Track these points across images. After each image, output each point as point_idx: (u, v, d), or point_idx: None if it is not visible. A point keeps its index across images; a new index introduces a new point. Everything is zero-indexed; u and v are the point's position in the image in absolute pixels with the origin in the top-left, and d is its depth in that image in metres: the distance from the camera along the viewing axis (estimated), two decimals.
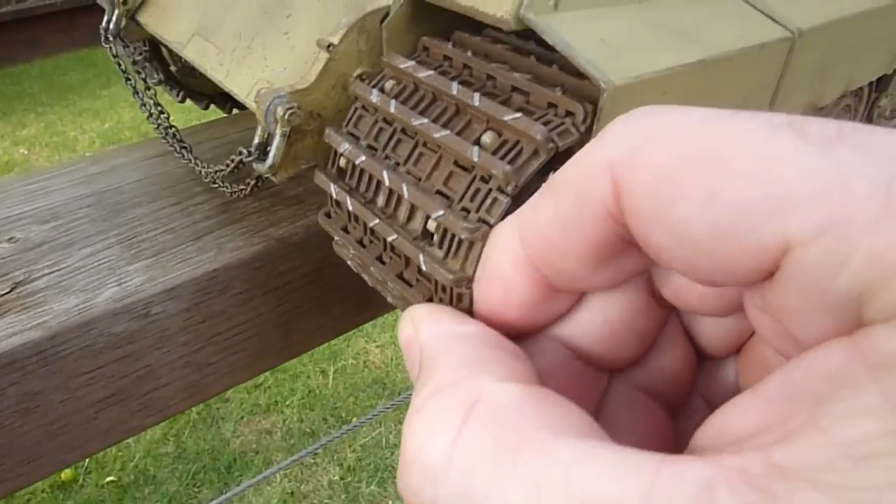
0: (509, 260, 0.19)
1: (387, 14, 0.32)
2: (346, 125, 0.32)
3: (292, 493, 1.84)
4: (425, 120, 0.28)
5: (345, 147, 0.30)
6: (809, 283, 0.14)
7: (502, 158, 0.26)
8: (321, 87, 0.32)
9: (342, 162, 0.31)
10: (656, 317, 0.22)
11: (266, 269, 0.40)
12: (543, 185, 0.19)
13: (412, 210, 0.28)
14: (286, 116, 0.31)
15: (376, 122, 0.31)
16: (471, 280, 0.25)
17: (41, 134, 3.54)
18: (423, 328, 0.21)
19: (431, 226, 0.27)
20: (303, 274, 0.42)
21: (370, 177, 0.30)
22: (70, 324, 0.35)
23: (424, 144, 0.29)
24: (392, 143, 0.30)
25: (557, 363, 0.21)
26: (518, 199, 0.26)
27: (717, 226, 0.14)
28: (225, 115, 0.57)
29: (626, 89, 0.26)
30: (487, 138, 0.27)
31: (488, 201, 0.26)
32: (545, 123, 0.27)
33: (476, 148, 0.26)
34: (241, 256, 0.39)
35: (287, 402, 2.10)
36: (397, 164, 0.29)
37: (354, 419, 2.02)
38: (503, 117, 0.27)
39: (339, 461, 1.92)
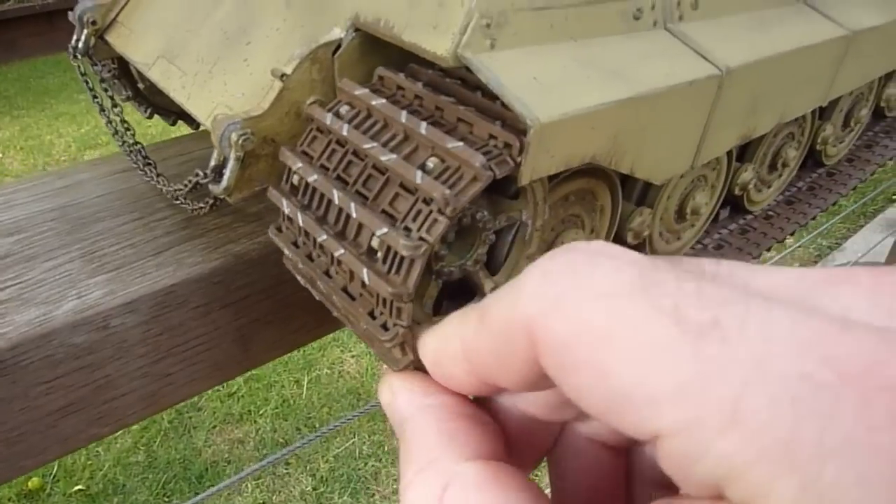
0: (460, 369, 0.22)
1: (339, 46, 0.34)
2: (301, 145, 0.33)
3: (264, 503, 1.84)
4: (375, 144, 0.30)
5: (298, 165, 0.32)
6: (675, 466, 0.16)
7: (444, 183, 0.28)
8: (275, 114, 0.34)
9: (295, 179, 0.33)
10: None
11: (224, 284, 0.42)
12: (478, 313, 0.21)
13: (359, 228, 0.30)
14: (240, 142, 0.32)
15: (329, 143, 0.32)
16: (410, 294, 0.27)
17: (16, 137, 3.51)
18: (400, 398, 0.25)
19: (376, 242, 0.29)
20: (260, 289, 0.43)
21: (321, 195, 0.32)
22: (30, 335, 0.37)
23: (373, 167, 0.31)
24: (343, 163, 0.32)
25: (514, 420, 0.25)
26: (455, 220, 0.28)
27: (607, 402, 0.17)
28: (192, 130, 0.59)
29: (552, 126, 0.28)
30: (431, 163, 0.29)
31: (429, 222, 0.28)
32: (485, 153, 0.29)
33: (420, 172, 0.28)
34: (200, 271, 0.41)
35: (260, 412, 2.09)
36: (347, 183, 0.31)
37: (325, 428, 2.02)
38: (446, 145, 0.29)
39: (311, 471, 1.92)
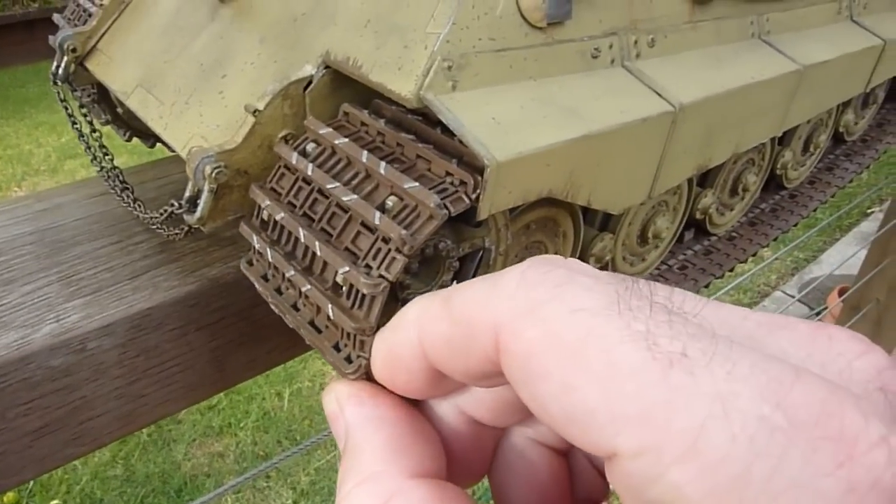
0: (412, 355, 0.23)
1: (310, 82, 0.36)
2: (270, 181, 0.35)
3: None
4: (337, 184, 0.32)
5: (266, 203, 0.34)
6: (628, 486, 0.17)
7: (401, 223, 0.30)
8: (248, 148, 0.35)
9: (265, 215, 0.34)
10: None
11: (199, 307, 0.43)
12: (442, 297, 0.22)
13: (324, 265, 0.32)
14: (213, 174, 0.34)
15: (296, 181, 0.34)
16: (373, 328, 0.29)
17: None
18: (347, 409, 0.25)
19: (340, 279, 0.31)
20: (235, 311, 0.45)
21: (289, 232, 0.33)
22: (9, 358, 0.38)
23: (337, 205, 0.32)
24: (309, 201, 0.33)
25: (457, 426, 0.26)
26: (413, 256, 0.29)
27: (568, 414, 0.17)
28: (171, 153, 0.60)
29: (509, 165, 0.30)
30: (391, 202, 0.31)
31: (387, 260, 0.29)
32: (441, 192, 0.30)
33: (378, 213, 0.30)
34: (176, 295, 0.42)
35: (241, 425, 2.09)
36: (313, 220, 0.33)
37: (307, 441, 2.02)
38: (404, 185, 0.30)
39: (292, 485, 1.92)
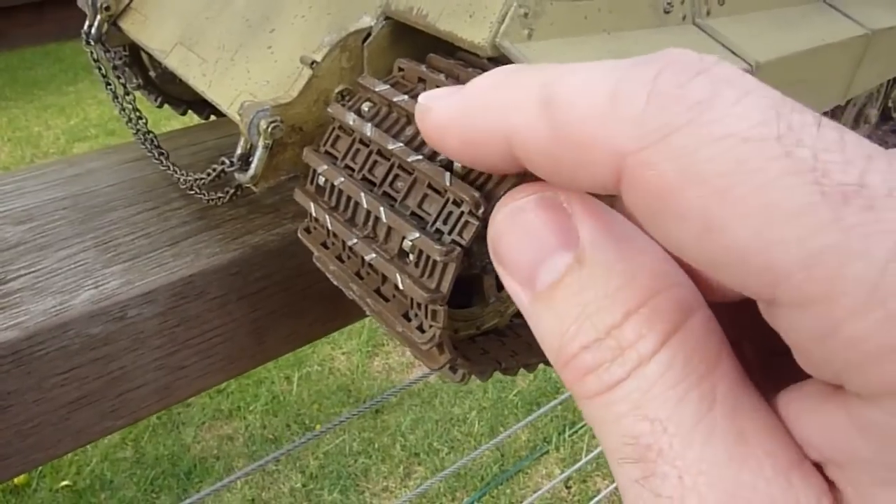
0: (495, 147, 0.18)
1: (369, 34, 0.34)
2: (325, 144, 0.33)
3: (253, 500, 1.83)
4: (400, 144, 0.30)
5: (323, 168, 0.32)
6: (794, 341, 0.14)
7: (472, 183, 0.27)
8: (303, 102, 0.33)
9: (321, 181, 0.32)
10: None
11: (241, 276, 0.41)
12: (540, 98, 0.17)
13: (389, 231, 0.29)
14: (269, 129, 0.32)
15: (353, 143, 0.32)
16: (445, 298, 0.27)
17: (4, 128, 3.47)
18: (586, 220, 0.18)
19: (407, 245, 0.28)
20: (277, 281, 0.43)
21: (348, 197, 0.31)
22: (47, 325, 0.36)
23: (400, 167, 0.30)
24: (369, 164, 0.31)
25: None
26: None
27: (710, 261, 0.14)
28: (202, 121, 0.58)
29: None
30: (459, 163, 0.29)
31: (460, 224, 0.27)
32: None
33: (448, 173, 0.28)
34: (218, 262, 0.40)
35: (250, 408, 2.08)
36: (374, 184, 0.31)
37: (318, 426, 2.01)
38: None
39: (301, 468, 1.91)
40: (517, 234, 0.18)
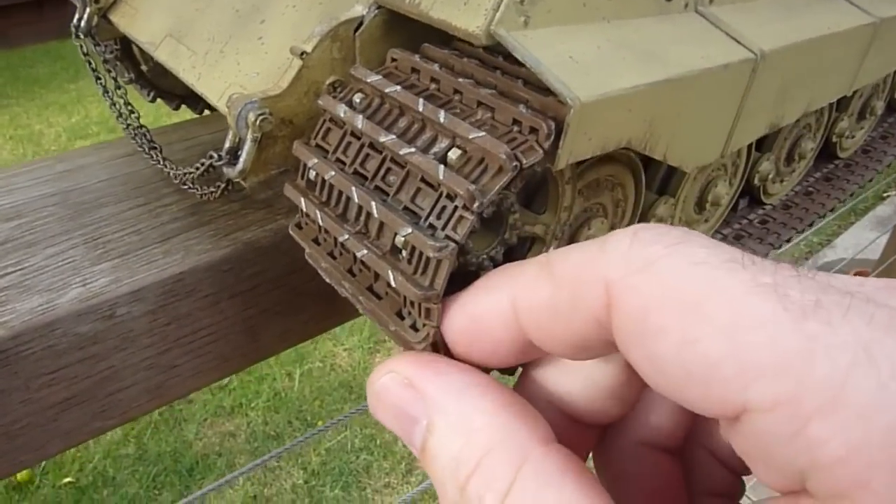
0: (501, 323, 0.21)
1: (360, 24, 0.33)
2: (315, 137, 0.32)
3: (255, 496, 1.83)
4: (392, 136, 0.29)
5: (313, 161, 0.31)
6: (761, 444, 0.15)
7: (467, 177, 0.26)
8: (293, 94, 0.32)
9: (311, 175, 0.31)
10: (637, 383, 0.22)
11: (234, 273, 0.40)
12: (539, 262, 0.20)
13: (381, 226, 0.28)
14: (257, 122, 0.31)
15: (344, 135, 0.31)
16: (439, 296, 0.26)
17: (5, 127, 3.47)
18: (428, 384, 0.22)
19: (400, 241, 0.27)
20: (270, 278, 0.42)
21: (339, 192, 0.30)
22: (33, 323, 0.35)
23: (392, 160, 0.29)
24: (360, 157, 0.30)
25: (552, 419, 0.22)
26: (482, 216, 0.26)
27: (688, 371, 0.15)
28: (196, 115, 0.57)
29: (592, 106, 0.27)
30: (453, 155, 0.27)
31: (454, 219, 0.26)
32: (510, 141, 0.27)
33: (442, 167, 0.27)
34: (209, 259, 0.39)
35: (252, 405, 2.08)
36: (366, 178, 0.30)
37: (320, 422, 2.01)
38: (468, 135, 0.27)
39: (303, 465, 1.91)
40: (386, 412, 0.22)
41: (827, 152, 0.62)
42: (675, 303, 0.16)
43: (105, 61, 0.47)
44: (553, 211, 0.32)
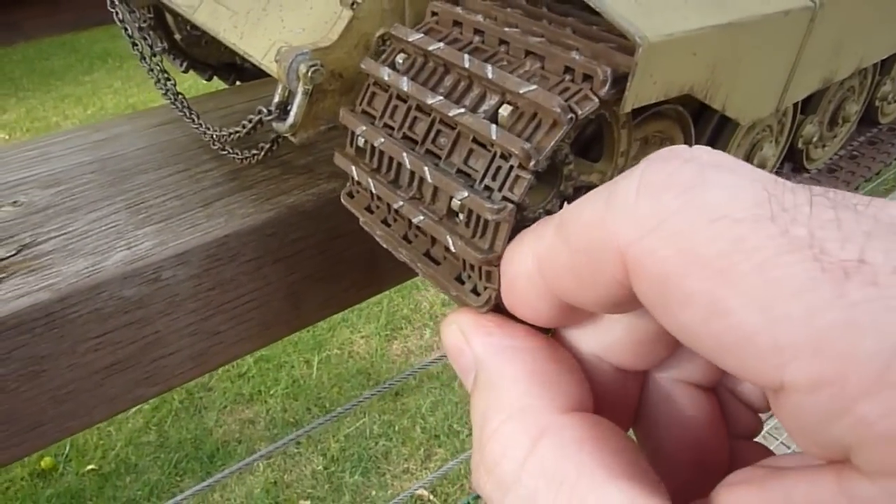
0: (533, 288, 0.20)
1: None
2: (361, 103, 0.31)
3: (275, 482, 1.83)
4: (440, 98, 0.28)
5: (361, 129, 0.30)
6: (802, 420, 0.14)
7: (520, 134, 0.26)
8: (343, 46, 0.32)
9: (360, 142, 0.31)
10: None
11: (277, 237, 0.40)
12: (555, 224, 0.19)
13: (436, 191, 0.28)
14: (309, 74, 0.30)
15: (390, 99, 0.30)
16: (499, 257, 0.25)
17: (22, 119, 3.49)
18: (476, 340, 0.22)
19: (456, 205, 0.27)
20: (314, 243, 0.41)
21: (390, 158, 0.29)
22: (80, 286, 0.35)
23: (442, 122, 0.28)
24: (408, 121, 0.29)
25: (598, 375, 0.22)
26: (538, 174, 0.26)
27: (721, 342, 0.14)
28: (228, 86, 0.56)
29: (659, 47, 0.26)
30: (504, 112, 0.27)
31: (510, 179, 0.26)
32: (562, 92, 0.26)
33: (494, 126, 0.26)
34: (253, 223, 0.39)
35: (271, 392, 2.08)
36: (416, 142, 0.29)
37: (339, 409, 2.02)
38: (518, 89, 0.26)
39: (322, 451, 1.91)
40: (451, 359, 0.23)
41: (868, 118, 0.61)
42: (697, 269, 0.14)
43: (139, 29, 0.47)
44: (609, 158, 0.31)
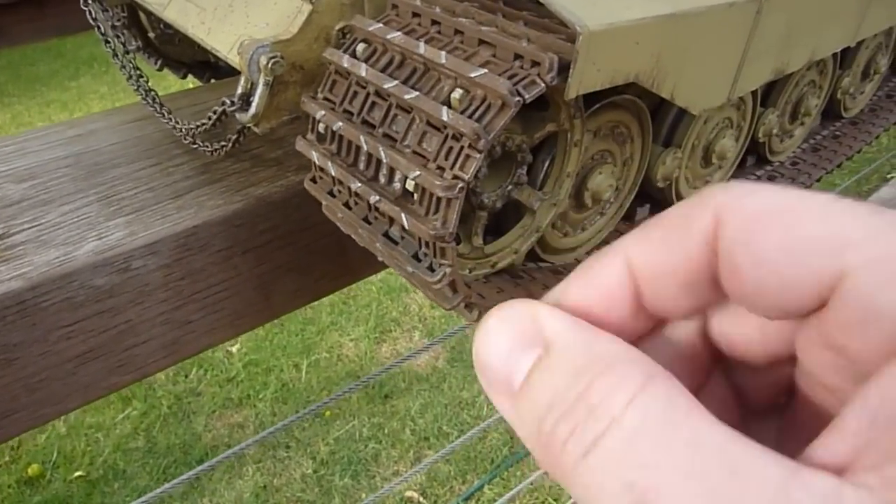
0: (616, 279, 0.21)
1: None
2: (322, 90, 0.32)
3: (265, 486, 1.83)
4: (396, 82, 0.29)
5: (321, 114, 0.31)
6: (863, 301, 0.16)
7: (471, 116, 0.27)
8: (304, 39, 0.33)
9: (321, 128, 0.32)
10: (701, 363, 0.24)
11: (246, 227, 0.41)
12: (643, 224, 0.21)
13: (391, 171, 0.29)
14: (269, 65, 0.31)
15: (350, 86, 0.31)
16: (452, 234, 0.26)
17: (7, 124, 3.47)
18: (549, 318, 0.21)
19: (410, 185, 0.28)
20: (283, 234, 0.42)
21: (349, 141, 0.31)
22: (51, 275, 0.35)
23: (398, 106, 0.30)
24: (367, 106, 0.31)
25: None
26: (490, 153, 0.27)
27: (790, 251, 0.17)
28: (203, 84, 0.57)
29: (600, 35, 0.27)
30: (456, 95, 0.28)
31: (461, 158, 0.27)
32: (511, 77, 0.28)
33: (446, 108, 0.27)
34: (222, 213, 0.40)
35: (259, 396, 2.08)
36: (373, 126, 0.30)
37: (328, 413, 2.02)
38: (470, 74, 0.27)
39: (311, 454, 1.91)
40: (495, 343, 0.21)
41: (833, 112, 0.62)
42: (774, 210, 0.18)
43: (113, 27, 0.48)
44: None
